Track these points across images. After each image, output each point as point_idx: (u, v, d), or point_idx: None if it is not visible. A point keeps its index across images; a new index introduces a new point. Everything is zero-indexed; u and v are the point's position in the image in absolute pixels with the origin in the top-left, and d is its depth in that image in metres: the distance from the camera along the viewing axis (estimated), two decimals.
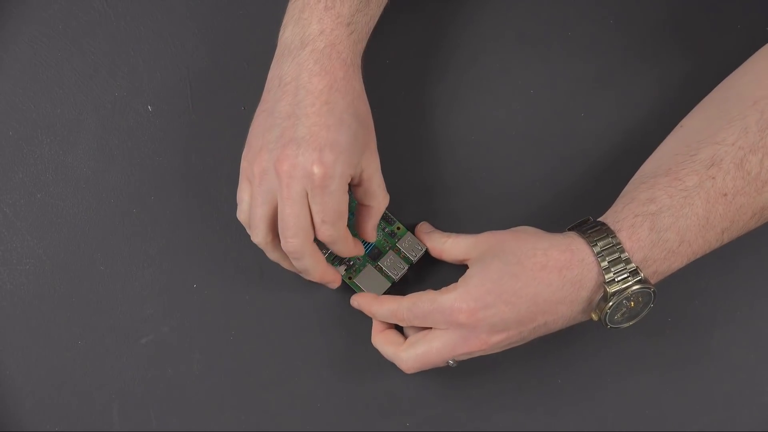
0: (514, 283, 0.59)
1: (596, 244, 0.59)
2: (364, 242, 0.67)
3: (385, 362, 0.65)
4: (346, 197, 0.61)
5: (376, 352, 0.66)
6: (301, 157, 0.59)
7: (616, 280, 0.58)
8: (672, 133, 0.65)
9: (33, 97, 0.70)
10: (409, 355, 0.62)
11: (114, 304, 0.68)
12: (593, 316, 0.61)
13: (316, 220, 0.60)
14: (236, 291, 0.68)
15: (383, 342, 0.65)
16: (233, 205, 0.67)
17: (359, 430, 0.67)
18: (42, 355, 0.67)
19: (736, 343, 0.69)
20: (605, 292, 0.59)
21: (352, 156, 0.60)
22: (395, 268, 0.67)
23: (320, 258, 0.63)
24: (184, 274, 0.68)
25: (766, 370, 0.69)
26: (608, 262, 0.58)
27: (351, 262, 0.67)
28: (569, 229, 0.62)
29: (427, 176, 0.70)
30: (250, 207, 0.62)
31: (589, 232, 0.59)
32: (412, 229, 0.68)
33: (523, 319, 0.59)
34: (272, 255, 0.64)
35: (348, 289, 0.67)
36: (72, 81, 0.71)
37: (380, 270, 0.67)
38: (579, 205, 0.69)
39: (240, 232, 0.67)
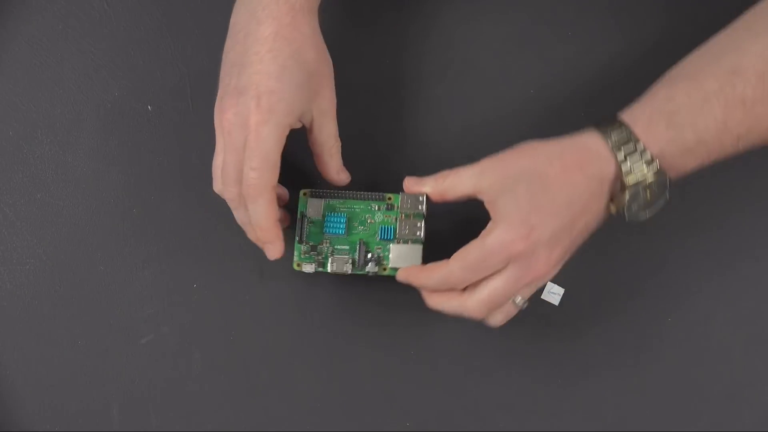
0: (547, 195, 0.59)
1: (610, 137, 0.59)
2: (375, 229, 0.66)
3: (386, 362, 0.65)
4: (279, 147, 0.60)
5: (376, 353, 0.66)
6: (241, 105, 0.59)
7: (633, 170, 0.59)
8: (699, 46, 0.64)
9: (33, 97, 0.70)
10: (474, 300, 0.60)
11: (114, 304, 0.68)
12: (612, 208, 0.61)
13: (245, 167, 0.60)
14: (236, 291, 0.68)
15: (442, 300, 0.62)
16: None
17: (359, 430, 0.67)
18: (42, 355, 0.67)
19: (736, 343, 0.69)
20: (622, 183, 0.59)
21: (293, 104, 0.60)
22: (413, 229, 0.64)
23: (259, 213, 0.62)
24: (184, 274, 0.68)
25: (766, 370, 0.69)
26: (624, 155, 0.59)
27: (373, 255, 0.65)
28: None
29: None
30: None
31: (603, 125, 0.60)
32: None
33: (568, 226, 0.59)
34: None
35: (345, 288, 0.67)
36: (72, 81, 0.71)
37: (404, 242, 0.65)
38: None
39: (240, 232, 0.67)
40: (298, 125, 0.62)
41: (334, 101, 0.64)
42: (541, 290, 0.68)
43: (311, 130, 0.63)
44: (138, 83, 0.71)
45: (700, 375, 0.68)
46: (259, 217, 0.61)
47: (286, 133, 0.60)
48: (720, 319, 0.69)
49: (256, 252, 0.66)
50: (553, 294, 0.68)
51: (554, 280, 0.68)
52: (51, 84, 0.71)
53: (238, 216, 0.63)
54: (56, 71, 0.71)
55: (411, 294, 0.68)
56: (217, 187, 0.63)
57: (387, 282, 0.68)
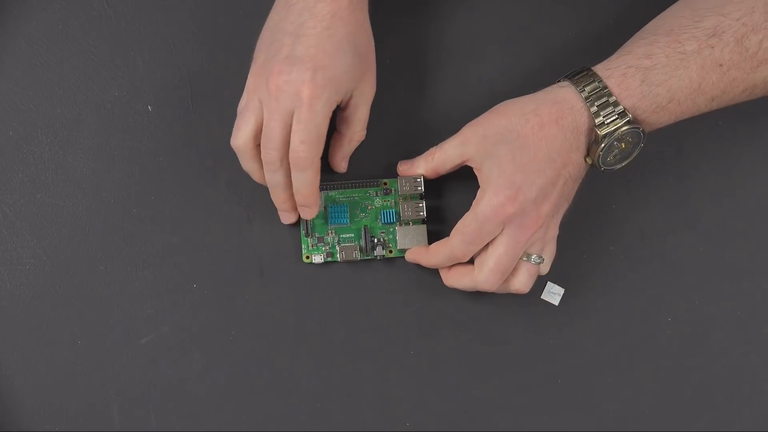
0: (528, 153, 0.60)
1: (584, 90, 0.61)
2: (376, 214, 0.68)
3: (386, 362, 0.65)
4: (327, 121, 0.62)
5: (376, 352, 0.66)
6: (295, 74, 0.61)
7: (606, 122, 0.60)
8: None
9: (33, 97, 0.70)
10: (484, 273, 0.63)
11: (114, 304, 0.68)
12: (587, 160, 0.62)
13: (295, 139, 0.61)
14: (236, 291, 0.68)
15: (456, 279, 0.65)
16: (233, 205, 0.67)
17: (359, 430, 0.67)
18: (42, 355, 0.67)
19: (736, 343, 0.69)
20: (596, 135, 0.61)
21: (343, 83, 0.62)
22: (416, 210, 0.67)
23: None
24: (184, 274, 0.68)
25: (766, 370, 0.69)
26: (597, 107, 0.60)
27: (379, 239, 0.68)
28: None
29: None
30: (239, 113, 0.64)
31: (576, 77, 0.62)
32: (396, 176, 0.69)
33: (553, 180, 0.61)
34: (246, 164, 0.65)
35: (345, 287, 0.68)
36: (72, 81, 0.71)
37: (407, 224, 0.68)
38: (578, 203, 0.69)
39: (240, 232, 0.67)
40: (336, 105, 0.64)
41: (374, 90, 0.66)
42: (541, 290, 0.68)
43: (345, 108, 0.65)
44: (138, 83, 0.71)
45: (700, 375, 0.68)
46: (303, 185, 0.63)
47: (334, 108, 0.62)
48: (720, 319, 0.69)
49: (256, 252, 0.66)
50: (553, 294, 0.68)
51: (554, 280, 0.68)
52: (51, 84, 0.71)
53: (272, 178, 0.64)
54: (56, 71, 0.71)
55: (411, 292, 0.68)
56: (236, 142, 0.64)
57: (386, 280, 0.68)
